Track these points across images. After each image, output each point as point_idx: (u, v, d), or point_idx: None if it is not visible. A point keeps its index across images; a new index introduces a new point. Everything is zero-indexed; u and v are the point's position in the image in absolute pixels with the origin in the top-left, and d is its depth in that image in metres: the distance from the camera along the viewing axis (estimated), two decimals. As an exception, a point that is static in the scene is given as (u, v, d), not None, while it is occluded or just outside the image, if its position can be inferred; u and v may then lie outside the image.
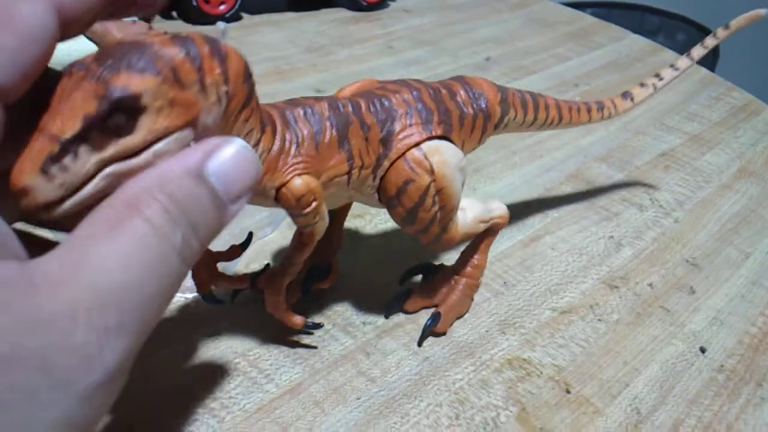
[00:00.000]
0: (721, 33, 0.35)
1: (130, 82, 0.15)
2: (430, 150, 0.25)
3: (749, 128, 0.52)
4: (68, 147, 0.15)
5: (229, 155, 0.17)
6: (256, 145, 0.21)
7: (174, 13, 0.60)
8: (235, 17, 0.61)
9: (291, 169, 0.22)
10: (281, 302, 0.25)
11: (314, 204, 0.22)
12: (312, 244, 0.24)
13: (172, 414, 0.24)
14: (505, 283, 0.33)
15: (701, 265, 0.35)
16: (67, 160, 0.15)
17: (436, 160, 0.24)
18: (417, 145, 0.25)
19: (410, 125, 0.25)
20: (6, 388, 0.12)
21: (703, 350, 0.30)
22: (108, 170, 0.15)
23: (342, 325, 0.29)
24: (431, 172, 0.24)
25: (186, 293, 0.30)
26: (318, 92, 0.49)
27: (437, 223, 0.26)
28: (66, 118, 0.15)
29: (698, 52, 0.36)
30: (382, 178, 0.25)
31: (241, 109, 0.19)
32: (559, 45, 0.66)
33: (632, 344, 0.30)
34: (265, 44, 0.58)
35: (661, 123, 0.51)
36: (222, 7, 0.59)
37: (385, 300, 0.30)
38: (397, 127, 0.24)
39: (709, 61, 1.64)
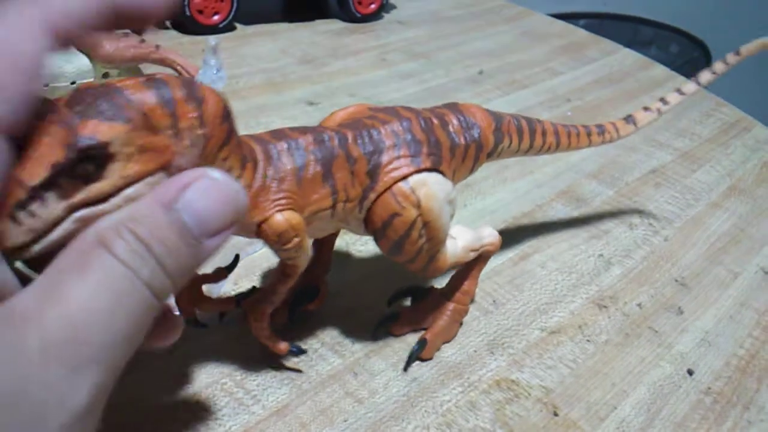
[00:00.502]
0: (731, 59, 0.35)
1: (97, 130, 0.15)
2: (417, 183, 0.24)
3: (740, 145, 0.52)
4: (36, 194, 0.15)
5: (203, 188, 0.16)
6: None
7: (167, 23, 0.60)
8: (228, 28, 0.61)
9: (272, 205, 0.22)
10: (265, 329, 0.25)
11: (295, 240, 0.22)
12: (295, 276, 0.24)
13: (157, 435, 0.24)
14: (494, 301, 0.33)
15: (690, 285, 0.36)
16: (35, 206, 0.15)
17: (423, 193, 0.24)
18: (404, 178, 0.24)
19: (398, 158, 0.24)
20: None
21: (690, 372, 0.30)
22: (77, 215, 0.16)
23: (330, 344, 0.29)
24: (418, 205, 0.24)
25: (174, 311, 0.30)
26: (311, 105, 0.49)
27: (425, 254, 0.26)
28: (34, 165, 0.15)
29: (706, 77, 0.36)
30: (368, 210, 0.25)
31: (220, 148, 0.19)
32: (551, 59, 0.66)
33: (620, 366, 0.30)
34: (258, 55, 0.58)
35: (652, 139, 0.51)
36: (216, 18, 0.59)
37: (374, 319, 0.30)
38: (385, 159, 0.24)
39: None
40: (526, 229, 0.39)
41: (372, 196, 0.24)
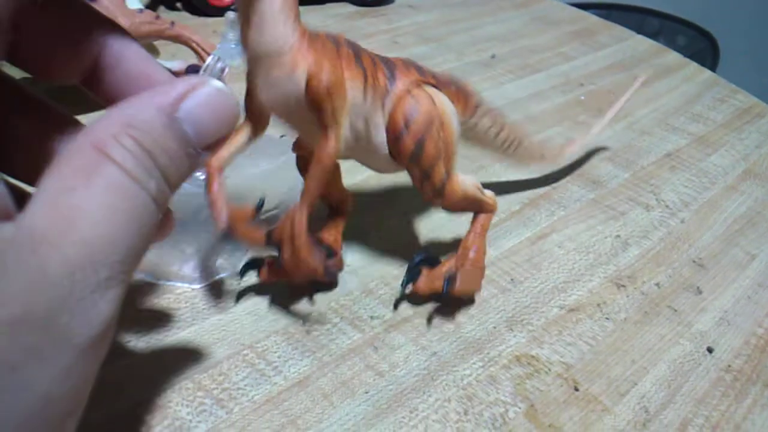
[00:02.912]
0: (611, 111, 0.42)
1: None
2: (431, 90, 0.26)
3: (754, 131, 0.52)
4: None
5: (204, 98, 0.16)
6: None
7: (179, 5, 0.60)
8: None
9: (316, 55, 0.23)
10: (304, 244, 0.25)
11: (341, 93, 0.23)
12: (329, 163, 0.24)
13: (180, 403, 0.24)
14: (512, 279, 0.33)
15: (707, 265, 0.35)
16: None
17: (438, 99, 0.26)
18: (418, 85, 0.26)
19: (409, 72, 0.26)
20: (17, 350, 0.13)
21: (710, 350, 0.30)
22: None
23: (350, 318, 0.29)
24: (434, 104, 0.26)
25: (193, 284, 0.30)
26: (323, 86, 0.49)
27: (441, 167, 0.26)
28: None
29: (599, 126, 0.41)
30: (390, 114, 0.26)
31: None
32: (563, 44, 0.65)
33: (640, 343, 0.30)
34: (270, 37, 0.57)
35: (666, 123, 0.51)
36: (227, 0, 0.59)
37: (392, 295, 0.30)
38: (398, 72, 0.26)
39: (710, 63, 1.65)
40: (543, 209, 0.38)
41: (393, 96, 0.25)
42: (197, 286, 0.30)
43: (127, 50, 0.19)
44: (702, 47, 1.61)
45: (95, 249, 0.14)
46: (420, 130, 0.25)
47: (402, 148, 0.26)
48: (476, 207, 0.29)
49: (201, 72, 0.33)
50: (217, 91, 0.16)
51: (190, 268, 0.30)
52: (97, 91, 0.20)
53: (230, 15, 0.33)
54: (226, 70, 0.34)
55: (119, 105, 0.15)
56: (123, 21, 0.36)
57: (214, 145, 0.16)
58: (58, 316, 0.13)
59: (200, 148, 0.16)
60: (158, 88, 0.16)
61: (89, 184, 0.14)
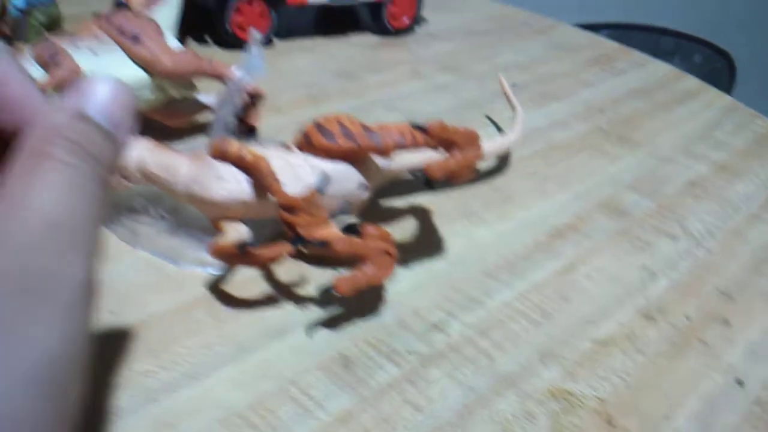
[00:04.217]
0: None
1: None
2: None
3: (775, 157, 0.52)
4: None
5: (100, 91, 0.19)
6: None
7: (208, 38, 0.62)
8: (266, 42, 0.62)
9: None
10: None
11: None
12: None
13: (228, 441, 0.25)
14: (542, 312, 0.33)
15: (735, 297, 0.36)
16: None
17: None
18: None
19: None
20: (7, 308, 0.15)
21: (740, 383, 0.30)
22: None
23: (386, 352, 0.30)
24: None
25: (208, 269, 0.33)
26: (350, 118, 0.50)
27: None
28: None
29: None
30: None
31: None
32: (582, 71, 0.66)
33: (671, 377, 0.30)
34: (297, 69, 0.59)
35: (688, 150, 0.52)
36: (255, 33, 0.60)
37: (425, 327, 0.31)
38: None
39: (726, 82, 1.65)
40: (569, 240, 0.39)
41: None
42: (213, 271, 0.33)
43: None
44: (718, 66, 1.61)
45: (50, 221, 0.16)
46: None
47: None
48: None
49: (228, 83, 0.36)
50: (111, 84, 0.19)
51: (207, 254, 0.33)
52: None
53: (254, 33, 0.35)
54: (251, 82, 0.36)
55: (38, 122, 0.18)
56: (166, 60, 0.38)
57: (125, 124, 0.20)
58: (35, 278, 0.15)
59: (114, 129, 0.19)
60: (64, 97, 0.19)
61: (33, 176, 0.17)
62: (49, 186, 0.17)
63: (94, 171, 0.18)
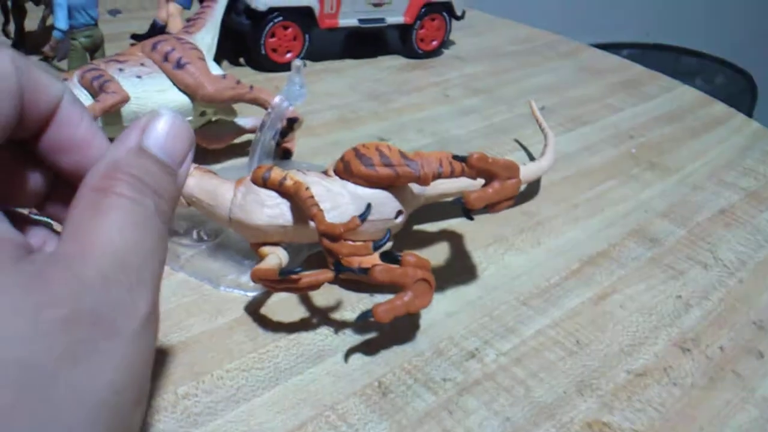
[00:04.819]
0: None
1: None
2: None
3: (807, 185, 0.52)
4: None
5: (161, 125, 0.20)
6: None
7: (242, 61, 0.63)
8: (304, 66, 0.63)
9: None
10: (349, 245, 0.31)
11: None
12: None
13: (271, 466, 0.26)
14: (578, 342, 0.33)
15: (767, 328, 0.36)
16: None
17: None
18: None
19: None
20: (74, 343, 0.15)
21: (777, 417, 0.30)
22: None
23: (423, 380, 0.30)
24: None
25: (249, 292, 0.34)
26: (381, 140, 0.51)
27: None
28: None
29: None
30: None
31: None
32: (610, 95, 0.67)
33: (707, 409, 0.30)
34: (328, 92, 0.60)
35: (717, 178, 0.52)
36: (288, 56, 0.61)
37: (461, 356, 0.31)
38: None
39: (748, 102, 1.64)
40: (602, 268, 0.39)
41: None
42: (252, 294, 0.33)
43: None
44: (741, 87, 1.60)
45: (118, 258, 0.17)
46: None
47: None
48: None
49: (268, 111, 0.37)
50: (168, 118, 0.20)
51: (246, 277, 0.34)
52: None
53: (297, 61, 0.36)
54: (291, 109, 0.37)
55: (100, 160, 0.19)
56: (209, 87, 0.39)
57: (185, 160, 0.20)
58: (103, 314, 0.16)
59: (175, 165, 0.20)
60: (122, 135, 0.20)
61: (98, 214, 0.17)
62: (115, 223, 0.17)
63: (156, 205, 0.19)
